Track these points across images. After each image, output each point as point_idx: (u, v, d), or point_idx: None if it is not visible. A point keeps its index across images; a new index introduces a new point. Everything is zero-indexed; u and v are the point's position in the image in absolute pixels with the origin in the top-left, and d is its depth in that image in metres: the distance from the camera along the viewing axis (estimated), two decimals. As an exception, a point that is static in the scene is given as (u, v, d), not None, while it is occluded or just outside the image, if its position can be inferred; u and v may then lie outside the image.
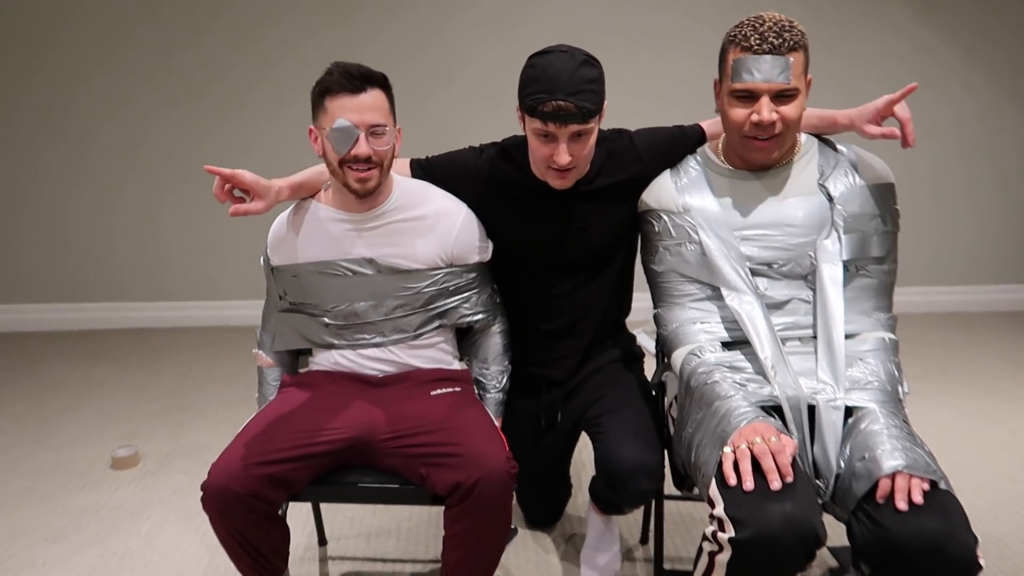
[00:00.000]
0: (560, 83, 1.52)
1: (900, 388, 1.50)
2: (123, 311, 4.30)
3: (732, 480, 1.30)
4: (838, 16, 3.95)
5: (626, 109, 3.89)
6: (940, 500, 1.26)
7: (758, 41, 1.43)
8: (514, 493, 1.55)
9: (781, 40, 1.43)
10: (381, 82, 1.60)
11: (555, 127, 1.56)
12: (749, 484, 1.28)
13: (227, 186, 1.55)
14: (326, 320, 1.71)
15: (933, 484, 1.29)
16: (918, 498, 1.26)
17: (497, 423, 1.80)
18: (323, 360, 1.76)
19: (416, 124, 3.96)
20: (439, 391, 1.70)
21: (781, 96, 1.46)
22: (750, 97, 1.47)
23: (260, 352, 1.83)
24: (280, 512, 1.61)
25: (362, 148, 1.57)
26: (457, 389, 1.73)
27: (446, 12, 3.93)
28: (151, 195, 4.15)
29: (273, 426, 1.59)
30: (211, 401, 3.19)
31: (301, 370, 1.86)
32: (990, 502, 2.27)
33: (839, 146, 1.64)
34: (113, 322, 4.30)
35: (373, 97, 1.57)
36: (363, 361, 1.73)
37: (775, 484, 1.27)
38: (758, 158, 1.54)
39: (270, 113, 4.05)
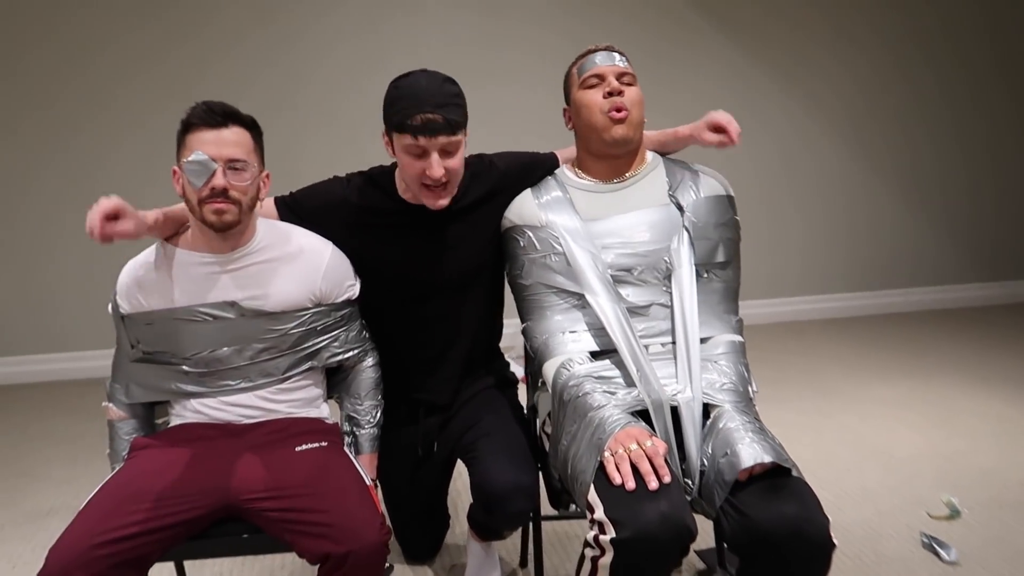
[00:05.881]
0: (426, 98, 1.58)
1: (750, 388, 1.63)
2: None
3: (617, 479, 1.36)
4: (673, 54, 4.25)
5: (482, 142, 3.98)
6: (795, 487, 1.37)
7: (594, 48, 1.74)
8: (391, 532, 1.49)
9: (610, 46, 1.73)
10: (248, 123, 1.57)
11: (425, 140, 1.59)
12: (631, 484, 1.34)
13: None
14: (185, 368, 1.62)
15: (787, 471, 1.40)
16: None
17: (372, 458, 1.78)
18: (182, 410, 1.66)
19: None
20: (305, 446, 1.60)
21: (622, 79, 1.69)
22: (600, 81, 1.68)
23: (110, 405, 1.69)
24: None
25: (219, 180, 1.51)
26: (324, 444, 1.63)
27: (287, 37, 3.90)
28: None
29: (119, 499, 1.43)
30: (51, 462, 2.93)
31: (158, 420, 1.75)
32: (833, 494, 2.48)
33: (683, 163, 1.79)
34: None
35: (235, 133, 1.54)
36: (227, 408, 1.64)
37: (653, 485, 1.33)
38: (618, 134, 1.66)
39: (106, 148, 3.83)
